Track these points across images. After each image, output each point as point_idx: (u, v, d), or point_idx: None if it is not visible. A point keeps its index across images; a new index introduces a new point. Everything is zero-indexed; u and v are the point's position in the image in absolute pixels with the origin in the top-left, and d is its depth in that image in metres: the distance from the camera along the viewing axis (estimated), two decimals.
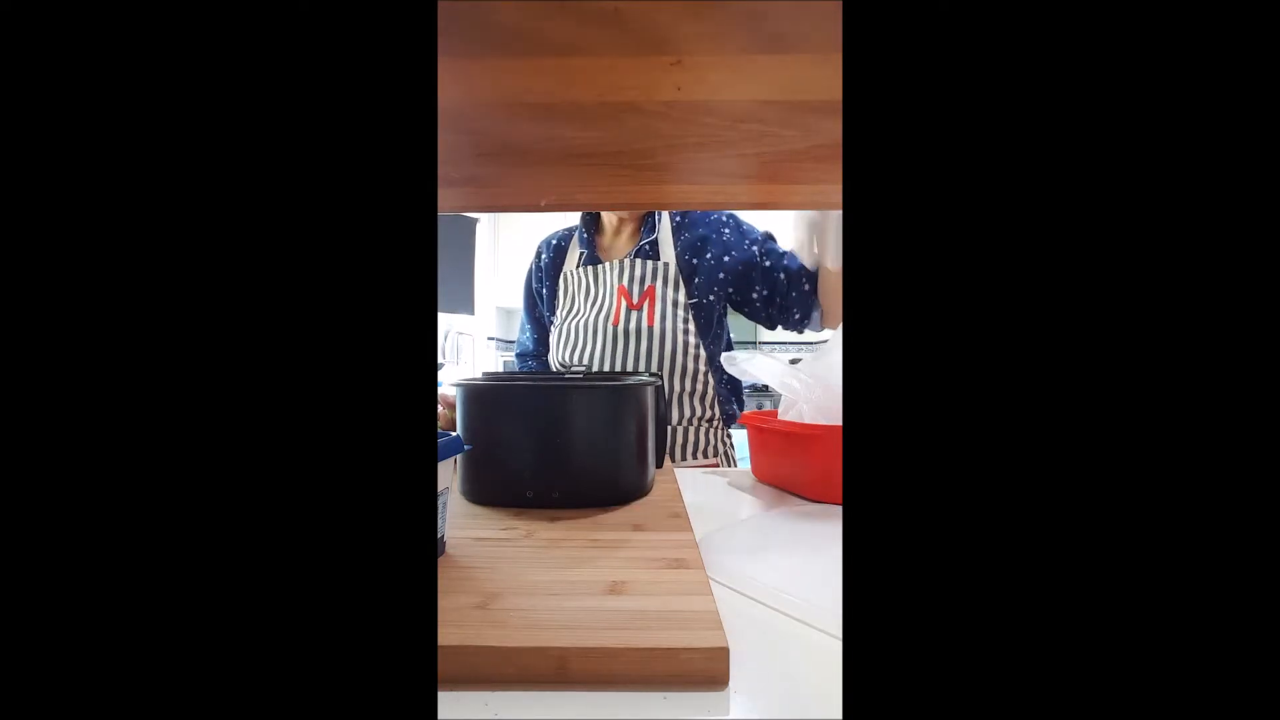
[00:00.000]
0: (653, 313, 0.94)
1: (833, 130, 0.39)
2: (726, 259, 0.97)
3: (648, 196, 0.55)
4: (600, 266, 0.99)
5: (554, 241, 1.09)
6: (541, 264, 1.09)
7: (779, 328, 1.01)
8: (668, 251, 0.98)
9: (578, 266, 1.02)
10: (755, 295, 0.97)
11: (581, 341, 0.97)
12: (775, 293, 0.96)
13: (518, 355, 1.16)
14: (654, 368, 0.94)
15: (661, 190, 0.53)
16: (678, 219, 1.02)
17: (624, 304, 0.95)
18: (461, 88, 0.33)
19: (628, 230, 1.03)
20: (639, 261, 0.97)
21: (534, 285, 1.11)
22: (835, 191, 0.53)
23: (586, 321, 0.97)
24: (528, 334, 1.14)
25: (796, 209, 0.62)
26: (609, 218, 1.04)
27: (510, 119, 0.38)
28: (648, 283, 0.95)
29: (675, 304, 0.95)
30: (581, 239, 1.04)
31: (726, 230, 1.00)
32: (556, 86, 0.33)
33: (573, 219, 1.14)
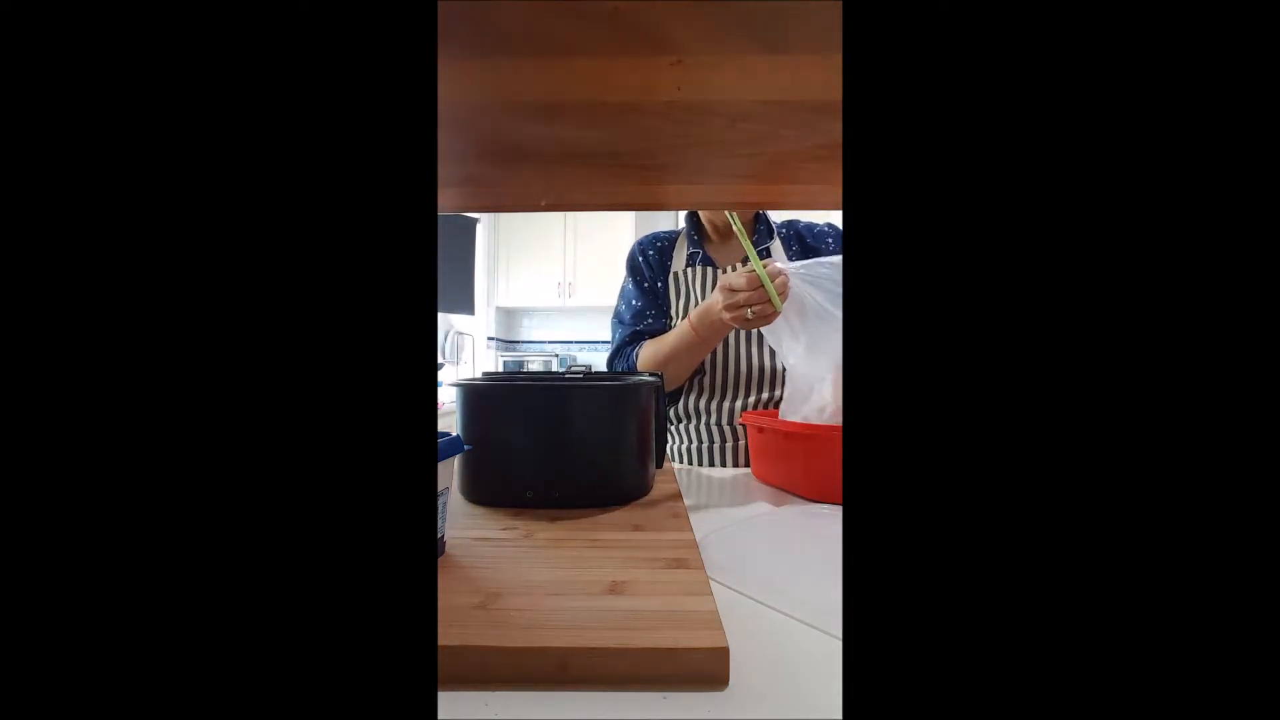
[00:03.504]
0: None
1: (833, 130, 0.39)
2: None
3: (648, 196, 0.55)
4: (719, 269, 0.96)
5: (658, 243, 1.05)
6: (650, 260, 1.03)
7: None
8: (781, 262, 0.96)
9: (687, 266, 0.99)
10: None
11: (724, 342, 0.94)
12: None
13: (624, 342, 0.99)
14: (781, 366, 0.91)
15: (661, 190, 0.53)
16: (784, 230, 1.00)
17: None
18: (461, 88, 0.33)
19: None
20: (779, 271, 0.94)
21: (646, 277, 1.03)
22: (835, 191, 0.53)
23: None
24: (634, 307, 1.02)
25: (796, 209, 0.62)
26: (712, 222, 1.00)
27: (510, 119, 0.38)
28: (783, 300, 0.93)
29: None
30: (691, 239, 1.01)
31: (830, 240, 0.99)
32: (556, 86, 0.33)
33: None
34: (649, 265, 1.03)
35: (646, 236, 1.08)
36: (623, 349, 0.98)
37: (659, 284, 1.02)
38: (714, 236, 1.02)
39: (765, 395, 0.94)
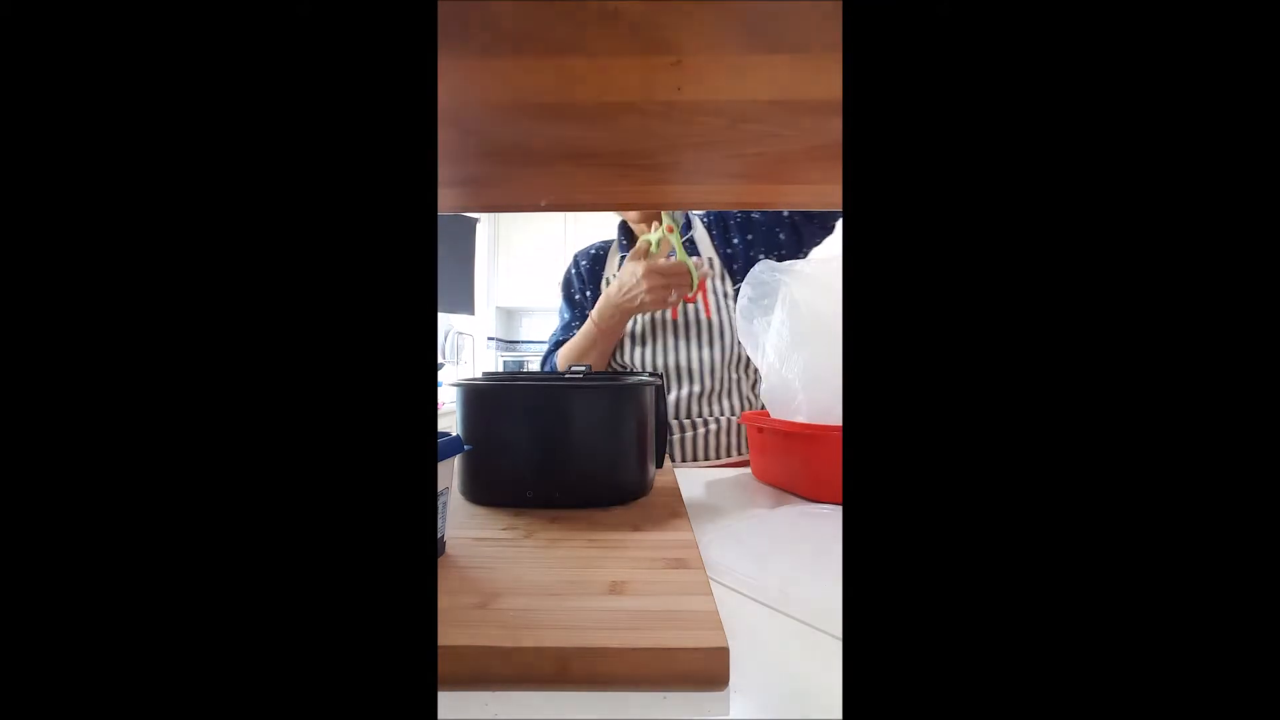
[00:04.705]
0: (709, 305, 0.97)
1: (833, 130, 0.39)
2: (750, 236, 1.00)
3: (648, 196, 0.55)
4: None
5: (591, 251, 1.10)
6: (581, 271, 1.09)
7: (829, 227, 1.01)
8: (706, 248, 1.01)
9: (620, 270, 1.03)
10: (781, 229, 0.99)
11: (643, 336, 0.98)
12: (797, 214, 0.98)
13: (548, 353, 1.10)
14: (715, 357, 0.95)
15: (661, 190, 0.53)
16: (708, 218, 1.03)
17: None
18: (461, 88, 0.33)
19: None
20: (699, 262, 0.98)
21: (575, 289, 1.09)
22: (835, 191, 0.53)
23: (646, 320, 0.98)
24: (564, 320, 1.12)
25: (796, 209, 0.62)
26: (639, 223, 1.04)
27: (510, 119, 0.38)
28: (701, 273, 0.97)
29: (725, 295, 0.98)
30: (621, 245, 1.06)
31: (737, 214, 1.03)
32: (556, 86, 0.33)
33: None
34: (580, 277, 1.09)
35: (583, 249, 1.12)
36: (546, 359, 1.06)
37: (587, 293, 1.07)
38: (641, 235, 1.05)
39: (706, 385, 0.97)
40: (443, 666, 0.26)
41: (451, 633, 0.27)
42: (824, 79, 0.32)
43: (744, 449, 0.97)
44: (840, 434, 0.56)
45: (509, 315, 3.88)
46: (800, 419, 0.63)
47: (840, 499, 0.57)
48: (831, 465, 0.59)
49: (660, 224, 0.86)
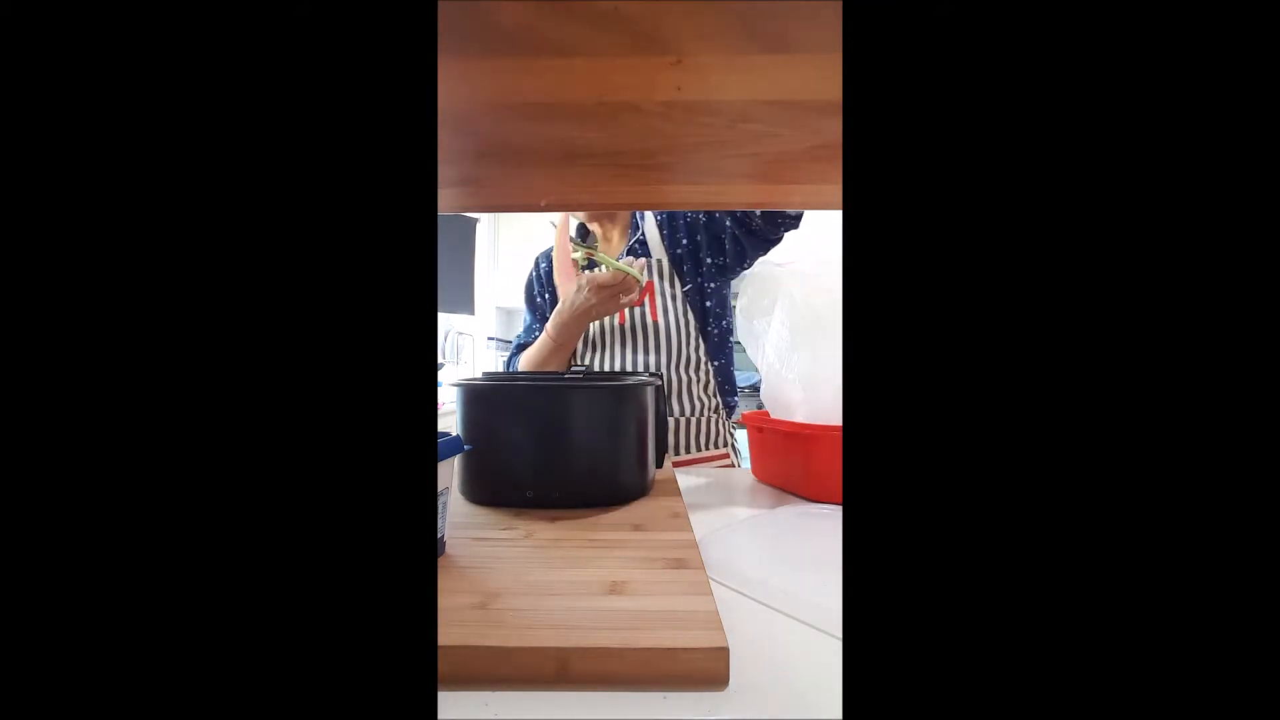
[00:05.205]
0: (655, 307, 0.98)
1: (833, 130, 0.39)
2: (698, 237, 1.00)
3: (648, 196, 0.55)
4: (598, 270, 1.00)
5: (551, 254, 1.13)
6: (540, 273, 1.12)
7: (771, 240, 1.00)
8: (657, 248, 1.01)
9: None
10: (725, 236, 0.99)
11: (591, 343, 0.99)
12: (745, 214, 0.98)
13: (511, 356, 1.15)
14: (661, 360, 0.96)
15: (661, 190, 0.53)
16: (660, 216, 1.04)
17: None
18: (461, 88, 0.33)
19: (616, 233, 1.07)
20: (632, 260, 0.99)
21: (535, 292, 1.13)
22: (835, 191, 0.53)
23: (595, 327, 1.00)
24: (526, 323, 1.16)
25: (796, 209, 0.63)
26: (594, 225, 1.06)
27: (510, 119, 0.38)
28: (646, 279, 0.98)
29: (674, 298, 0.99)
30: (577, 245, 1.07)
31: (687, 213, 1.04)
32: (556, 86, 0.33)
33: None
34: (539, 280, 1.12)
35: (544, 250, 1.15)
36: (509, 363, 1.08)
37: (546, 295, 1.10)
38: (598, 236, 1.07)
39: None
40: (443, 666, 0.26)
41: (451, 633, 0.27)
42: (824, 79, 0.32)
43: (692, 449, 0.98)
44: (840, 434, 0.56)
45: (509, 315, 3.88)
46: (800, 419, 0.63)
47: (840, 499, 0.57)
48: (831, 465, 0.59)
49: (579, 241, 0.91)
